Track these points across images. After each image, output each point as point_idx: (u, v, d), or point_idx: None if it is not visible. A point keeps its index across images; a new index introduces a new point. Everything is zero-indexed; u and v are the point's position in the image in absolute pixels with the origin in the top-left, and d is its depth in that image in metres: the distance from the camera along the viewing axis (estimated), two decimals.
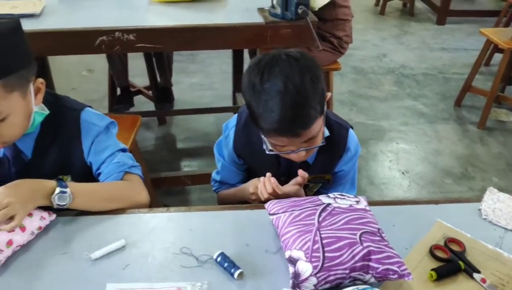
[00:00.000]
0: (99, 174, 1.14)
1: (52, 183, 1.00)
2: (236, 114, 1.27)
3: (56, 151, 1.11)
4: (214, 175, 1.40)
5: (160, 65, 2.90)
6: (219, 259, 0.92)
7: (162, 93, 3.01)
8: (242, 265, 0.90)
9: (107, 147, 1.13)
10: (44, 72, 2.77)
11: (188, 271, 0.91)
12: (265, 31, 1.98)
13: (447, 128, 3.05)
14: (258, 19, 2.03)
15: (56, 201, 0.98)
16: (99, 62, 3.60)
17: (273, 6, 2.06)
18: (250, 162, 1.30)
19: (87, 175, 1.16)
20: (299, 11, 1.89)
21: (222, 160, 1.33)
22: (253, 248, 0.96)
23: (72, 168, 1.13)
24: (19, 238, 0.93)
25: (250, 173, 1.32)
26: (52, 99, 1.11)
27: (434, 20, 4.80)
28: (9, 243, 0.91)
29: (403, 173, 2.64)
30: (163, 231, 1.01)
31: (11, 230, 0.92)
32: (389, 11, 4.92)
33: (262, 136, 1.11)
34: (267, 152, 1.10)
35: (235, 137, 1.25)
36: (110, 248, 0.95)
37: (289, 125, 1.00)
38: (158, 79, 2.98)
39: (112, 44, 1.93)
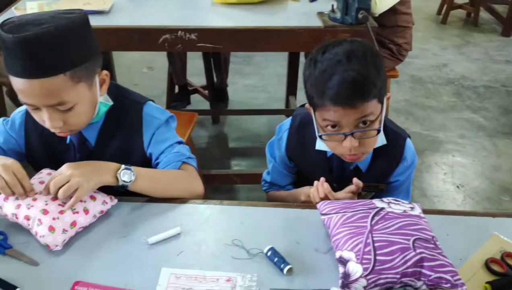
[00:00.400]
0: (158, 164, 1.19)
1: (116, 164, 1.05)
2: (291, 117, 1.28)
3: (118, 140, 1.17)
4: (264, 175, 1.42)
5: (217, 65, 2.97)
6: (269, 253, 0.94)
7: (217, 93, 3.08)
8: (291, 262, 0.92)
9: (167, 139, 1.18)
10: (108, 66, 2.91)
11: (239, 262, 0.94)
12: (323, 35, 1.99)
13: (507, 143, 2.91)
14: (317, 23, 2.04)
15: (121, 177, 1.02)
16: (159, 61, 3.73)
17: (333, 11, 2.06)
18: (302, 166, 1.29)
19: (146, 166, 1.21)
20: (360, 16, 1.88)
21: (273, 161, 1.34)
22: (303, 246, 0.97)
23: (132, 158, 1.18)
24: (82, 220, 0.99)
25: (301, 177, 1.33)
26: (116, 91, 1.17)
27: (499, 32, 4.59)
28: (73, 224, 0.97)
29: (457, 186, 2.55)
30: (215, 222, 1.04)
31: (75, 212, 0.98)
32: (451, 20, 4.76)
33: (314, 120, 1.09)
34: (318, 135, 1.08)
35: (288, 140, 1.26)
36: (166, 235, 0.99)
37: (347, 90, 0.98)
38: (215, 79, 3.05)
39: (175, 42, 2.00)
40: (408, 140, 1.21)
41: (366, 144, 1.08)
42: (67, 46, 0.95)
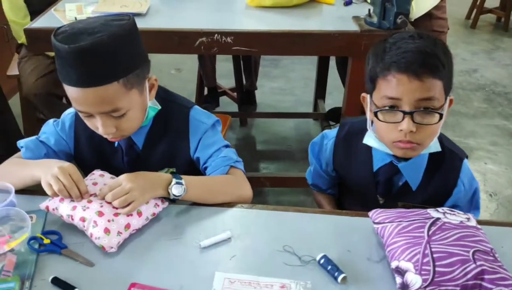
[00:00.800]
0: (206, 168, 1.19)
1: (167, 175, 1.06)
2: (338, 125, 1.25)
3: (164, 144, 1.18)
4: (307, 173, 1.39)
5: (247, 68, 2.98)
6: (322, 261, 0.93)
7: (246, 95, 3.09)
8: (344, 270, 0.91)
9: (214, 143, 1.18)
10: None
11: (291, 269, 0.93)
12: (360, 39, 1.98)
13: None
14: (352, 27, 2.03)
15: (173, 192, 1.03)
16: (186, 63, 3.77)
17: (369, 15, 2.05)
18: (347, 178, 1.25)
19: (191, 169, 1.22)
20: (398, 21, 1.87)
21: (314, 163, 1.32)
22: (355, 255, 0.97)
23: (177, 162, 1.19)
24: (136, 222, 1.00)
25: (346, 188, 1.30)
26: (164, 95, 1.18)
27: None
28: (127, 226, 0.99)
29: (490, 195, 2.51)
30: (265, 227, 1.04)
31: (129, 215, 0.99)
32: (481, 25, 4.69)
33: (369, 100, 1.05)
34: (373, 111, 1.02)
35: (334, 149, 1.23)
36: (217, 239, 0.99)
37: (416, 57, 0.95)
38: (244, 82, 3.06)
39: (211, 45, 2.01)
40: (465, 161, 1.13)
41: (424, 132, 1.00)
42: (120, 54, 0.96)
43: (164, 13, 2.16)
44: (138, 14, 2.10)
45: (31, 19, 2.38)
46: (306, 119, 3.21)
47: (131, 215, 1.00)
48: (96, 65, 0.93)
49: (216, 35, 2.00)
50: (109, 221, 0.97)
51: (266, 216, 1.08)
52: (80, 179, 1.01)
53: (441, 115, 0.99)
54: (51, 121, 1.21)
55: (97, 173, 1.10)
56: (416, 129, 0.98)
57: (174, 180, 1.05)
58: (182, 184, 1.05)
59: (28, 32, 1.97)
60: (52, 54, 2.42)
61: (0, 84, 2.52)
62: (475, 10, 4.64)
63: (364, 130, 1.14)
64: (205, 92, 3.13)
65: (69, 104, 2.79)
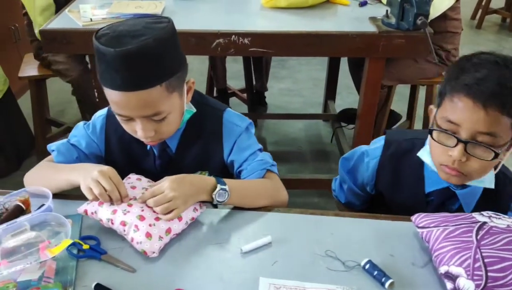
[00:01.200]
0: (240, 171, 1.18)
1: (211, 179, 1.04)
2: (381, 143, 1.17)
3: (197, 147, 1.17)
4: (337, 192, 1.34)
5: (258, 69, 2.97)
6: (367, 266, 0.92)
7: (256, 96, 3.08)
8: (389, 276, 0.90)
9: (249, 146, 1.17)
10: None
11: (335, 274, 0.92)
12: (378, 40, 1.97)
13: None
14: (369, 28, 2.02)
15: (217, 198, 1.02)
16: (194, 63, 3.74)
17: (387, 16, 2.04)
18: (393, 198, 1.17)
19: (223, 173, 1.21)
20: (418, 22, 1.86)
21: (348, 182, 1.25)
22: (398, 259, 0.96)
23: (210, 165, 1.18)
24: (176, 226, 0.98)
25: (388, 207, 1.18)
26: (198, 98, 1.17)
27: None
28: (168, 231, 0.97)
29: None
30: (305, 232, 1.03)
31: (169, 220, 0.98)
32: (486, 25, 4.70)
33: (435, 114, 0.99)
34: (429, 129, 0.98)
35: (379, 168, 1.17)
36: (259, 243, 0.98)
37: (492, 89, 0.87)
38: (254, 83, 3.05)
39: (228, 46, 2.00)
40: None
41: (474, 165, 0.94)
42: (164, 57, 0.95)
43: (179, 14, 2.15)
44: (153, 16, 2.08)
45: None
46: (316, 120, 3.20)
47: (171, 219, 0.98)
48: (141, 69, 0.92)
49: (233, 36, 1.99)
50: (150, 225, 0.96)
51: (304, 220, 1.07)
52: (121, 182, 1.00)
53: (496, 154, 0.92)
54: (81, 124, 1.19)
55: (133, 177, 1.09)
56: (466, 159, 0.94)
57: (219, 186, 1.02)
58: (226, 190, 1.03)
59: (44, 33, 1.95)
60: None
61: (10, 86, 2.51)
62: (480, 11, 4.65)
63: (413, 149, 1.10)
64: (215, 93, 3.12)
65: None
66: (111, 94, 0.96)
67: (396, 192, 1.16)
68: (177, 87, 1.00)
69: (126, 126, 1.04)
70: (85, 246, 0.96)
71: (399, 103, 3.01)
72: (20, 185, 1.09)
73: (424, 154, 1.06)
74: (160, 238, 0.95)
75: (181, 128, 1.14)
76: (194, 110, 1.13)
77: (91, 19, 2.01)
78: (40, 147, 2.65)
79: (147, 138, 1.02)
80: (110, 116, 1.17)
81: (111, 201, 0.98)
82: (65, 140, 1.19)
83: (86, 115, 2.66)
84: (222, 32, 1.97)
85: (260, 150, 1.20)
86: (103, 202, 0.99)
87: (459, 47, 2.48)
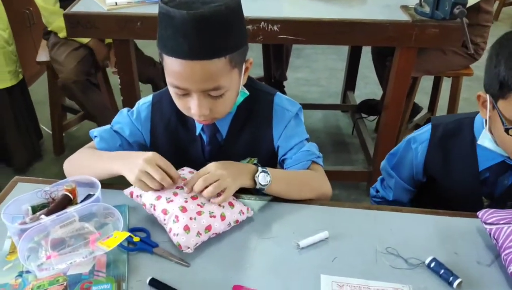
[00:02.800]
0: (284, 160, 1.14)
1: (252, 165, 1.02)
2: (428, 128, 1.15)
3: (248, 133, 1.12)
4: (382, 193, 1.29)
5: (278, 58, 2.91)
6: (432, 264, 0.88)
7: (275, 86, 3.02)
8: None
9: (296, 134, 1.13)
10: None
11: (399, 272, 0.88)
12: (411, 29, 1.92)
13: None
14: (401, 16, 1.97)
15: (259, 181, 0.99)
16: None
17: (420, 4, 1.98)
18: (444, 181, 1.14)
19: (273, 159, 1.17)
20: (456, 11, 1.80)
21: (396, 177, 1.22)
22: (463, 258, 0.92)
23: (260, 150, 1.14)
24: (218, 225, 0.93)
25: (439, 193, 1.17)
26: (249, 82, 1.11)
27: None
28: (208, 228, 0.92)
29: None
30: (361, 227, 0.99)
31: (212, 216, 0.93)
32: (503, 17, 4.63)
33: (489, 101, 0.96)
34: (504, 128, 0.93)
35: (428, 154, 1.13)
36: (316, 239, 0.94)
37: None
38: (273, 71, 2.99)
39: (256, 33, 1.95)
40: None
41: None
42: (232, 28, 0.90)
43: None
44: None
45: (61, 6, 2.30)
46: (334, 111, 3.15)
47: (214, 216, 0.93)
48: (211, 36, 0.86)
49: (262, 22, 1.93)
50: (191, 219, 0.91)
51: (359, 215, 1.03)
52: (169, 165, 0.96)
53: None
54: (125, 110, 1.14)
55: (186, 169, 1.04)
56: None
57: (260, 169, 1.00)
58: (268, 174, 1.00)
59: (68, 17, 1.89)
60: (85, 40, 2.34)
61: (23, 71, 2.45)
62: (497, 3, 4.57)
63: (461, 129, 1.08)
64: None
65: (108, 93, 2.73)
66: (173, 63, 0.90)
67: (448, 174, 1.13)
68: (238, 63, 0.95)
69: (180, 102, 0.99)
70: (136, 239, 0.92)
71: (418, 94, 2.96)
72: (32, 173, 1.05)
73: (484, 141, 1.04)
74: (199, 234, 0.90)
75: (232, 112, 1.09)
76: (248, 93, 1.08)
77: (116, 3, 1.95)
78: (55, 134, 2.60)
79: (200, 116, 0.97)
80: (155, 104, 1.12)
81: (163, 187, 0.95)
82: (108, 126, 1.14)
83: None
84: (251, 18, 1.91)
85: (307, 139, 1.15)
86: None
87: (487, 40, 2.42)
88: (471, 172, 1.08)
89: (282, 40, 1.99)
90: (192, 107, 0.95)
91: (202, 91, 0.93)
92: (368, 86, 3.43)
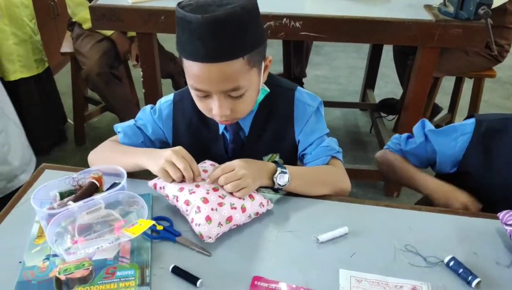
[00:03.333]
0: (303, 155, 1.15)
1: (272, 165, 1.03)
2: (472, 121, 1.13)
3: (270, 129, 1.13)
4: (400, 138, 1.28)
5: (298, 54, 2.91)
6: (451, 263, 0.88)
7: (295, 82, 3.02)
8: None
9: (317, 129, 1.13)
10: None
11: (418, 270, 0.89)
12: (434, 29, 1.91)
13: None
14: (424, 16, 1.96)
15: (278, 181, 1.00)
16: None
17: (444, 4, 1.97)
18: (484, 177, 1.12)
19: (294, 154, 1.18)
20: (481, 11, 1.79)
21: (424, 146, 1.21)
22: (482, 258, 0.92)
23: (282, 147, 1.15)
24: (238, 217, 0.95)
25: (479, 190, 1.13)
26: (269, 79, 1.13)
27: None
28: (229, 219, 0.93)
29: None
30: (381, 224, 1.00)
31: (233, 207, 0.95)
32: None
33: None
34: None
35: (470, 146, 1.12)
36: (335, 234, 0.95)
37: None
38: (292, 68, 2.99)
39: (278, 30, 1.96)
40: None
41: None
42: (248, 28, 0.91)
43: None
44: None
45: None
46: (353, 109, 3.14)
47: (235, 208, 0.95)
48: (226, 38, 0.88)
49: (284, 19, 1.94)
50: (212, 209, 0.93)
51: (378, 212, 1.03)
52: (193, 160, 0.98)
53: None
54: (148, 108, 1.17)
55: (208, 162, 1.06)
56: None
57: (279, 169, 1.01)
58: (287, 173, 1.01)
59: (93, 9, 1.93)
60: (108, 32, 2.38)
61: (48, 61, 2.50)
62: None
63: (506, 129, 1.08)
64: None
65: (130, 86, 2.77)
66: (192, 66, 0.92)
67: (488, 171, 1.11)
68: (257, 62, 0.96)
69: (201, 104, 1.01)
70: (159, 227, 0.94)
71: (438, 94, 2.94)
72: (54, 161, 1.07)
73: None
74: (220, 224, 0.92)
75: (253, 110, 1.10)
76: (268, 90, 1.09)
77: None
78: (77, 124, 2.65)
79: (222, 117, 0.99)
80: (176, 102, 1.14)
81: (184, 180, 0.97)
82: (131, 122, 1.16)
83: None
84: (273, 14, 1.92)
85: (327, 134, 1.16)
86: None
87: (511, 42, 2.39)
88: None
89: (304, 37, 2.00)
90: (214, 108, 0.97)
91: (222, 92, 0.94)
92: (388, 85, 3.42)
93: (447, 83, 2.80)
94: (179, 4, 0.92)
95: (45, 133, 2.54)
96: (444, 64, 2.31)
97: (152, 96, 2.16)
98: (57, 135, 2.65)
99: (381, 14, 1.97)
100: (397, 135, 1.31)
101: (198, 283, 0.83)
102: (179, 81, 2.75)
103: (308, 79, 3.42)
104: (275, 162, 1.07)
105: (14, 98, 2.02)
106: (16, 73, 2.29)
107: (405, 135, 1.28)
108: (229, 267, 0.88)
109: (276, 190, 1.04)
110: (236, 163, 0.98)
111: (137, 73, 2.52)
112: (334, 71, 3.64)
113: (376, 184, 2.46)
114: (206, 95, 0.97)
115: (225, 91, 0.95)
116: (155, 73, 2.12)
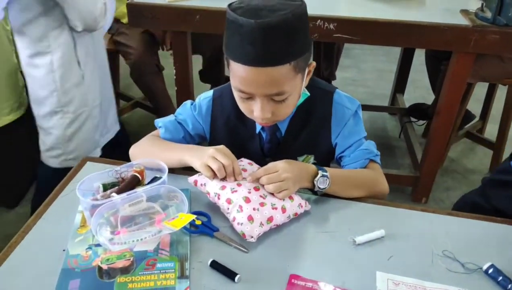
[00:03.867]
0: (341, 157, 1.15)
1: (313, 167, 1.03)
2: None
3: (306, 131, 1.14)
4: None
5: (329, 56, 2.91)
6: (490, 271, 0.88)
7: None
8: None
9: (355, 132, 1.14)
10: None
11: (455, 276, 0.88)
12: (470, 34, 1.88)
13: None
14: (460, 20, 1.93)
15: (318, 184, 1.01)
16: None
17: (482, 9, 1.94)
18: None
19: (329, 156, 1.18)
20: None
21: None
22: None
23: (317, 148, 1.16)
24: (279, 217, 0.96)
25: None
26: (309, 81, 1.13)
27: None
28: (270, 219, 0.94)
29: None
30: (418, 229, 0.99)
31: (274, 208, 0.95)
32: None
33: None
34: None
35: None
36: (372, 236, 0.95)
37: None
38: (322, 70, 2.99)
39: (312, 31, 1.93)
40: None
41: None
42: (298, 35, 0.92)
43: None
44: None
45: None
46: (381, 113, 3.12)
47: (276, 208, 0.96)
48: (277, 44, 0.89)
49: (318, 20, 1.94)
50: (254, 209, 0.94)
51: (415, 217, 1.03)
52: (235, 159, 1.00)
53: None
54: (188, 103, 1.19)
55: (245, 160, 1.08)
56: None
57: (320, 172, 1.01)
58: (328, 177, 1.01)
59: (130, 7, 1.97)
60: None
61: None
62: None
63: None
64: None
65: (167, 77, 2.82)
66: (239, 69, 0.93)
67: None
68: (302, 68, 0.97)
69: (242, 105, 1.02)
70: (198, 222, 0.96)
71: (470, 101, 2.89)
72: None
73: None
74: (261, 224, 0.93)
75: (292, 111, 1.11)
76: (308, 94, 1.10)
77: None
78: None
79: (263, 119, 1.00)
80: (216, 99, 1.16)
81: (225, 177, 0.98)
82: (172, 117, 1.19)
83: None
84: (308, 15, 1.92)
85: (365, 137, 1.16)
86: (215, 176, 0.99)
87: None
88: None
89: (337, 39, 2.00)
90: (255, 111, 0.98)
91: (265, 95, 0.96)
92: (418, 90, 3.38)
93: (480, 90, 2.75)
94: (230, 6, 0.93)
95: None
96: (478, 70, 2.27)
97: (184, 94, 2.19)
98: None
99: (416, 18, 1.95)
100: None
101: (236, 279, 0.85)
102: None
103: (336, 81, 3.40)
104: (315, 164, 1.07)
105: None
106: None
107: None
108: (266, 265, 0.89)
109: (315, 192, 1.05)
110: (279, 164, 0.99)
111: (166, 72, 2.57)
112: (363, 74, 3.62)
113: (404, 189, 2.44)
114: (249, 97, 0.98)
115: (269, 95, 0.96)
116: (187, 71, 2.15)
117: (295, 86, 0.98)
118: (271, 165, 0.99)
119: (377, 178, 1.12)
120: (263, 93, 0.95)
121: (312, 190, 1.04)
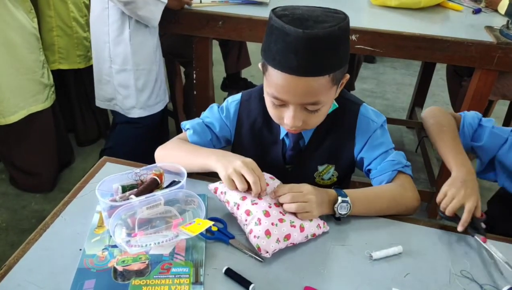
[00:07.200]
0: (369, 170, 1.14)
1: (333, 191, 1.02)
2: None
3: (330, 141, 1.13)
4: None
5: (348, 68, 2.89)
6: None
7: None
8: None
9: (382, 144, 1.12)
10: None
11: None
12: (494, 51, 1.86)
13: None
14: (485, 37, 1.91)
15: (339, 211, 1.00)
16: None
17: (507, 27, 1.92)
18: None
19: (350, 168, 1.18)
20: None
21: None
22: None
23: (339, 159, 1.15)
24: (296, 236, 0.94)
25: None
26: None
27: None
28: (287, 237, 0.93)
29: None
30: (436, 246, 0.98)
31: (292, 225, 0.94)
32: None
33: None
34: None
35: None
36: (389, 252, 0.94)
37: None
38: None
39: None
40: None
41: None
42: (340, 48, 0.92)
43: (286, 3, 2.11)
44: (261, 3, 2.07)
45: None
46: (398, 126, 3.09)
47: (294, 226, 0.94)
48: (320, 55, 0.89)
49: None
50: (273, 224, 0.93)
51: (434, 234, 1.02)
52: (262, 176, 0.98)
53: None
54: (215, 106, 1.19)
55: (267, 175, 1.05)
56: None
57: (340, 199, 1.00)
58: (348, 203, 1.00)
59: None
60: None
61: None
62: None
63: None
64: None
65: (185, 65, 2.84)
66: (278, 76, 0.93)
67: None
68: (338, 80, 0.97)
69: (274, 111, 1.01)
70: (214, 228, 0.96)
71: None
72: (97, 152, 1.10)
73: None
74: (278, 241, 0.92)
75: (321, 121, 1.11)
76: (337, 105, 1.10)
77: (200, 0, 2.03)
78: None
79: (292, 127, 1.00)
80: (243, 102, 1.17)
81: (248, 191, 0.97)
82: (199, 120, 1.19)
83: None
84: None
85: (392, 149, 1.15)
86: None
87: None
88: None
89: (359, 50, 1.99)
90: (286, 118, 0.98)
91: (300, 104, 0.95)
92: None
93: (501, 107, 2.72)
94: (274, 12, 0.93)
95: (83, 127, 2.66)
96: (500, 88, 2.24)
97: (204, 100, 2.20)
98: (97, 130, 2.74)
99: (440, 32, 1.94)
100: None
101: (250, 288, 0.84)
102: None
103: (355, 92, 3.39)
104: (336, 189, 1.04)
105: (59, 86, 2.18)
106: (55, 63, 2.38)
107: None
108: (280, 275, 0.89)
109: (338, 219, 1.03)
110: (305, 186, 0.99)
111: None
112: (381, 86, 3.60)
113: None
114: (282, 104, 0.98)
115: (303, 104, 0.96)
116: (208, 77, 2.16)
117: (330, 97, 0.98)
118: (295, 185, 0.99)
119: (401, 193, 1.08)
120: (298, 101, 0.95)
121: (334, 216, 1.02)
